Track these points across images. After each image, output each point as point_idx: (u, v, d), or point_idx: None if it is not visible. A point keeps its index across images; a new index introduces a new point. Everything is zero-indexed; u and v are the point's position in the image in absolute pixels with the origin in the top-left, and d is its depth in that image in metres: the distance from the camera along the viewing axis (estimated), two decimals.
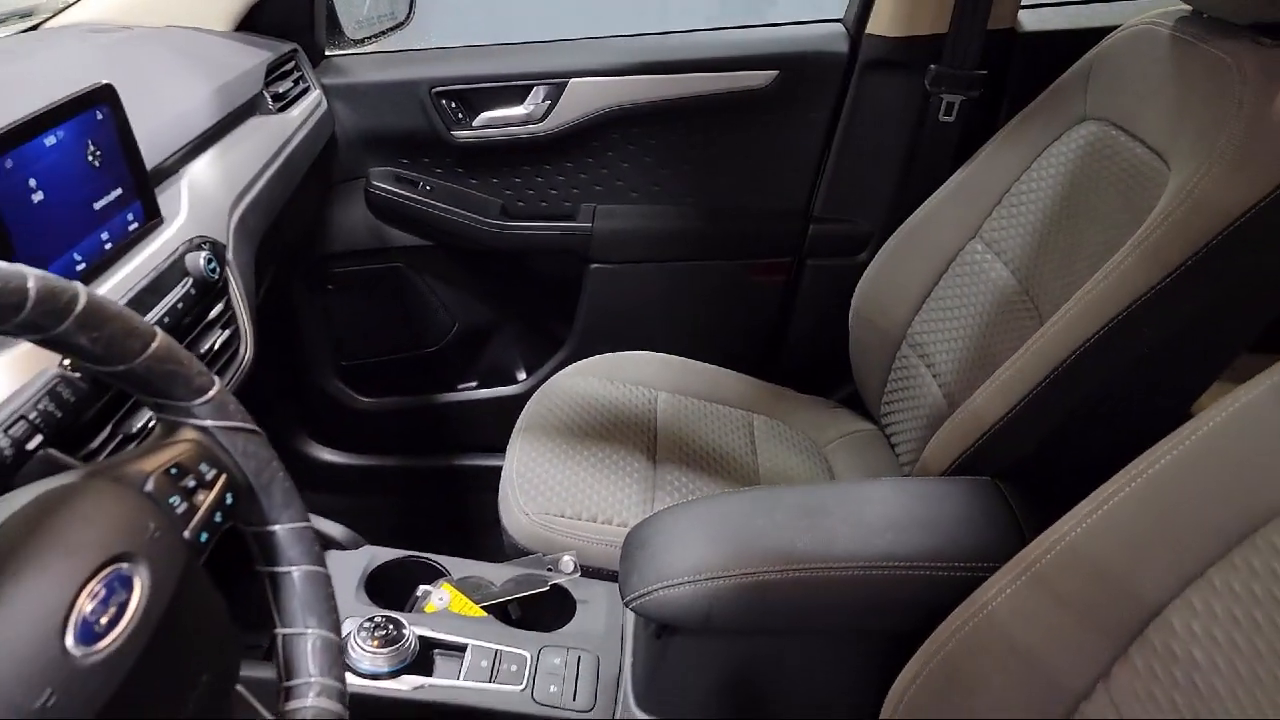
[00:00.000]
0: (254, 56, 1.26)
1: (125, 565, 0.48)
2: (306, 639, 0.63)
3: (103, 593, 0.46)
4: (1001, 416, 0.99)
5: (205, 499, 0.57)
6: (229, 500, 0.60)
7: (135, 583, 0.48)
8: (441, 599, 1.00)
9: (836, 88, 1.43)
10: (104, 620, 0.45)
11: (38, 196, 0.72)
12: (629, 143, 1.49)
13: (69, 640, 0.43)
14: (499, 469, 1.27)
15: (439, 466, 1.71)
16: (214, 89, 1.11)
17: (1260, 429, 0.62)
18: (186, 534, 0.54)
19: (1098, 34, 1.19)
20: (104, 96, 0.81)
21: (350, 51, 1.51)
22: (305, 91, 1.35)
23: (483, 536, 1.40)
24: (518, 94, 1.45)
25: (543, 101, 1.45)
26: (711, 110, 1.46)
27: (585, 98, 1.44)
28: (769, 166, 1.50)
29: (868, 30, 1.39)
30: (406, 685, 0.89)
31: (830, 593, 0.85)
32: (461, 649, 0.93)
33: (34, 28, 1.25)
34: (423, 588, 1.02)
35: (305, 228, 1.49)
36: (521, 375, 1.69)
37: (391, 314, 1.62)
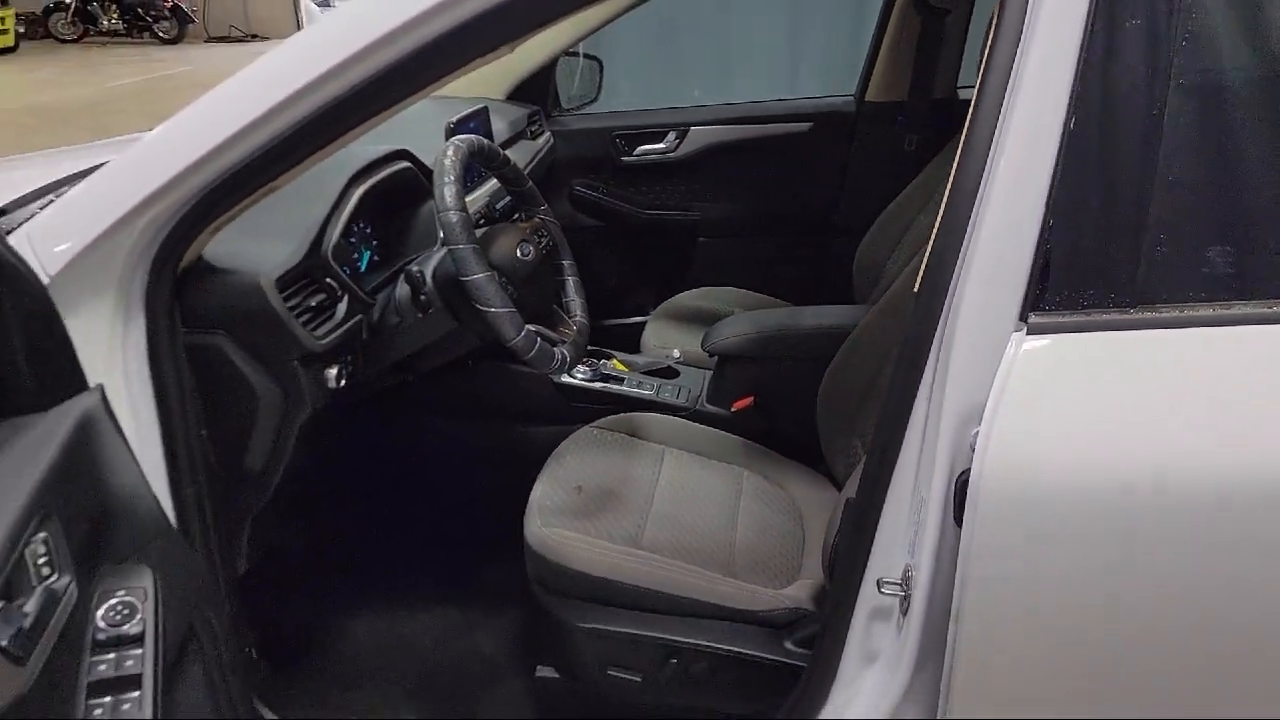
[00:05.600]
0: (520, 110, 2.34)
1: (530, 245, 1.48)
2: (575, 302, 1.62)
3: (530, 239, 1.46)
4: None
5: (544, 242, 1.58)
6: (551, 245, 1.60)
7: (533, 249, 1.48)
8: (609, 366, 1.98)
9: (848, 132, 2.41)
10: (526, 252, 1.45)
11: None
12: (725, 165, 2.50)
13: (518, 254, 1.44)
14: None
15: None
16: (507, 123, 2.19)
17: None
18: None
19: None
20: (482, 112, 1.88)
21: (566, 113, 2.59)
22: (543, 132, 2.42)
23: None
24: (659, 136, 2.49)
25: (674, 140, 2.48)
26: (773, 147, 2.46)
27: (699, 138, 2.47)
28: (808, 180, 2.48)
29: (866, 98, 2.37)
30: (598, 384, 1.86)
31: (801, 340, 1.78)
32: (622, 379, 1.90)
33: None
34: (600, 360, 1.99)
35: None
36: (650, 310, 2.67)
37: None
